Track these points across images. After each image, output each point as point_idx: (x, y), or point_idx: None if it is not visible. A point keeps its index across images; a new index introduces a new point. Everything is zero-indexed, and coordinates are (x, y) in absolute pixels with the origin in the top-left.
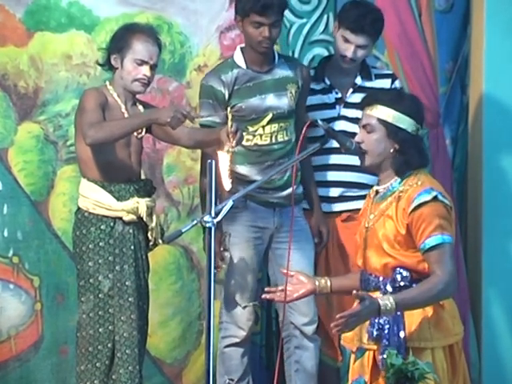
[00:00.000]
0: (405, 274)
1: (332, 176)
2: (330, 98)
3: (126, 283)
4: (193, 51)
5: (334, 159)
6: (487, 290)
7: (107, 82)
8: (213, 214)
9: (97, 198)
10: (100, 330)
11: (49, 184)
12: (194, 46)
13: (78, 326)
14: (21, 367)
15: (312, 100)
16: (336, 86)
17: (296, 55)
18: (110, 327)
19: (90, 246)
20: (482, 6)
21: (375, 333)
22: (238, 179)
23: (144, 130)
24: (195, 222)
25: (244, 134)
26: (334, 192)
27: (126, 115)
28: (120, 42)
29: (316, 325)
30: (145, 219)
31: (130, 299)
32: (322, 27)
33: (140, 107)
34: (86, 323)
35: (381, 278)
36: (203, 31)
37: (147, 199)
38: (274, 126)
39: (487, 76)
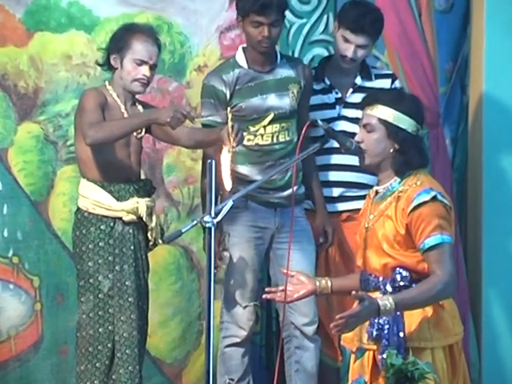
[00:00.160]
0: (404, 274)
1: (332, 176)
2: (330, 98)
3: (126, 283)
4: (193, 51)
5: (334, 159)
6: (487, 290)
7: (106, 82)
8: (213, 214)
9: (96, 198)
10: (100, 330)
11: (49, 184)
12: (193, 46)
13: (78, 326)
14: (21, 367)
15: (312, 100)
16: (336, 86)
17: (296, 55)
18: (109, 327)
19: (90, 246)
20: (481, 6)
21: (375, 333)
22: (239, 179)
23: (143, 130)
24: (195, 222)
25: (245, 133)
26: (334, 192)
27: (125, 115)
28: (119, 42)
29: (316, 325)
30: (144, 219)
31: (129, 299)
32: (321, 27)
33: (139, 107)
34: (85, 323)
35: (380, 278)
36: (203, 31)
37: (147, 199)
38: (276, 126)
39: (487, 76)
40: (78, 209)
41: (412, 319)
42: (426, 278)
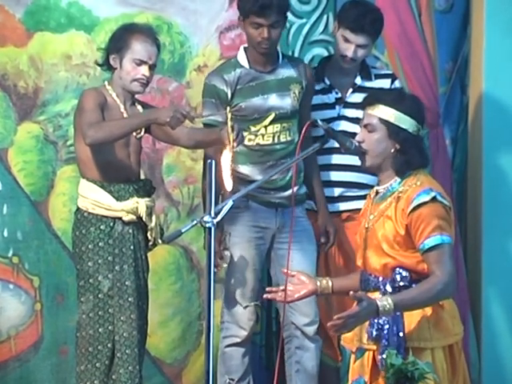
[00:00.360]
0: (404, 274)
1: (332, 176)
2: (330, 98)
3: (126, 283)
4: (192, 51)
5: (334, 159)
6: (487, 290)
7: (106, 82)
8: (212, 214)
9: (96, 198)
10: (100, 330)
11: (48, 184)
12: (193, 46)
13: (78, 326)
14: (21, 367)
15: (312, 100)
16: (336, 85)
17: (296, 55)
18: (109, 327)
19: (90, 246)
20: (481, 6)
21: (375, 333)
22: (240, 179)
23: (143, 130)
24: (195, 222)
25: (246, 133)
26: (334, 192)
27: (125, 115)
28: (119, 42)
29: (317, 325)
30: (144, 219)
31: (129, 299)
32: (321, 27)
33: (139, 107)
34: (85, 323)
35: (380, 279)
36: (203, 31)
37: (147, 199)
38: (277, 126)
39: (487, 76)
40: (78, 209)
41: (412, 319)
42: (425, 278)
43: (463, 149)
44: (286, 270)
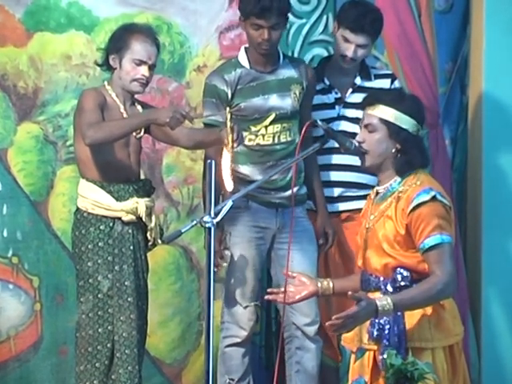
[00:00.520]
0: (405, 274)
1: (332, 176)
2: (330, 98)
3: (126, 283)
4: (192, 51)
5: (334, 159)
6: (487, 290)
7: (106, 82)
8: (212, 214)
9: (96, 198)
10: (99, 330)
11: (48, 184)
12: (193, 47)
13: (78, 326)
14: (20, 367)
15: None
16: (335, 86)
17: (295, 55)
18: (109, 327)
19: (90, 246)
20: (481, 6)
21: (375, 333)
22: (240, 179)
23: (143, 130)
24: (195, 222)
25: (246, 133)
26: (334, 192)
27: (124, 115)
28: (118, 42)
29: (318, 325)
30: (144, 219)
31: (129, 299)
32: (321, 27)
33: (138, 107)
34: (85, 323)
35: (381, 279)
36: (203, 31)
37: (146, 199)
38: (277, 127)
39: (487, 76)
40: (78, 209)
41: (413, 319)
42: (426, 278)
43: (463, 149)
44: (286, 271)
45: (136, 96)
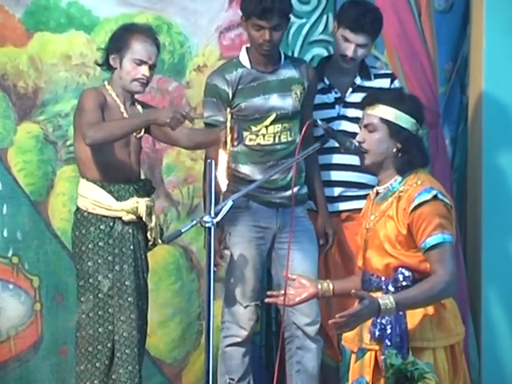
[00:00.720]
0: (407, 273)
1: (332, 175)
2: (330, 97)
3: (126, 283)
4: (192, 51)
5: (334, 159)
6: (487, 290)
7: (106, 82)
8: (212, 214)
9: (96, 198)
10: (99, 329)
11: (48, 184)
12: (193, 46)
13: (78, 325)
14: (20, 367)
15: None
16: (335, 85)
17: (295, 55)
18: (109, 327)
19: (90, 245)
20: (481, 6)
21: (377, 333)
22: (241, 179)
23: (143, 130)
24: (195, 222)
25: (247, 133)
26: (334, 192)
27: (124, 115)
28: (119, 42)
29: (318, 325)
30: (144, 219)
31: (129, 299)
32: (321, 27)
33: (139, 107)
34: (85, 323)
35: (383, 279)
36: (203, 31)
37: (147, 199)
38: (278, 127)
39: (487, 76)
40: (78, 209)
41: (414, 319)
42: (428, 277)
43: (463, 149)
44: (286, 272)
45: (136, 96)
